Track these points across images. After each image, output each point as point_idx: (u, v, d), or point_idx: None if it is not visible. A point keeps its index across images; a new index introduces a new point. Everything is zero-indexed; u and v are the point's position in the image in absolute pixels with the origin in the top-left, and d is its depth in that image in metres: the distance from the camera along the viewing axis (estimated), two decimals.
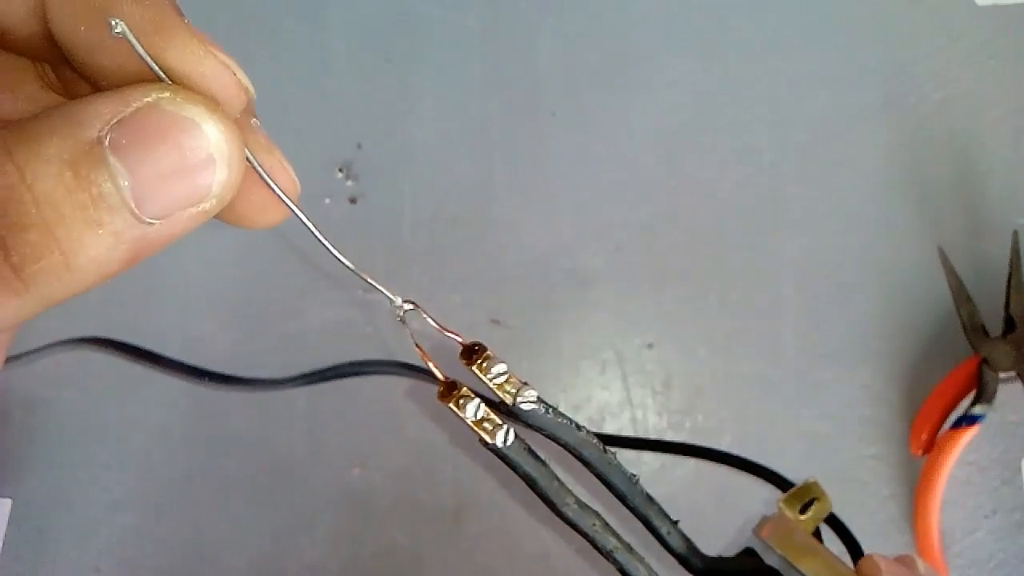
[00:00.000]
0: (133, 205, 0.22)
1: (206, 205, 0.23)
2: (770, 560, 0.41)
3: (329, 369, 0.66)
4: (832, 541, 0.49)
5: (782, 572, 0.41)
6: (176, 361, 0.66)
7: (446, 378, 0.29)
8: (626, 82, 0.73)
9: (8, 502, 0.65)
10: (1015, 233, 0.64)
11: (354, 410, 0.67)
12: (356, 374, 0.66)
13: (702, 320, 0.68)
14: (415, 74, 0.74)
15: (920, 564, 0.42)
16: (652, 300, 0.69)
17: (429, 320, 0.29)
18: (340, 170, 0.71)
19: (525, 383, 0.30)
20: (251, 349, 0.68)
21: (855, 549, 0.50)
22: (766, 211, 0.70)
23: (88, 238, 0.21)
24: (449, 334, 0.29)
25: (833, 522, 0.50)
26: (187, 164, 0.23)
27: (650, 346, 0.68)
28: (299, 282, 0.69)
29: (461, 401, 0.29)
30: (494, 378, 0.29)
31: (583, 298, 0.69)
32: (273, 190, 0.26)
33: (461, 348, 0.30)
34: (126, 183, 0.22)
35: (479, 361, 0.29)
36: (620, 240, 0.70)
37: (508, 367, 0.29)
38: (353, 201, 0.71)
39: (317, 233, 0.27)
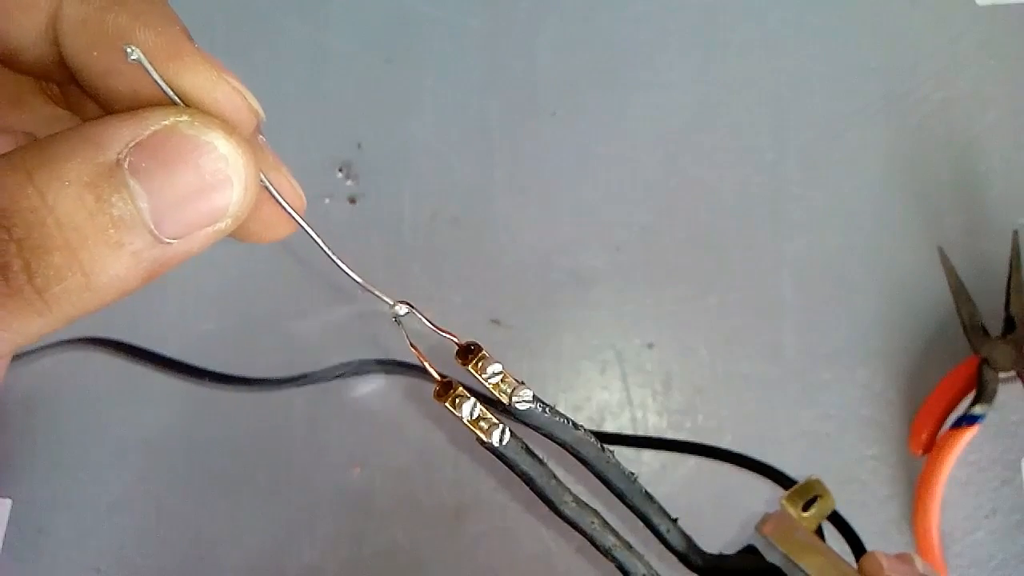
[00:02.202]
0: (152, 226, 0.22)
1: (222, 224, 0.24)
2: (772, 557, 0.41)
3: (330, 369, 0.66)
4: (835, 539, 0.49)
5: (784, 570, 0.41)
6: (176, 361, 0.67)
7: (442, 378, 0.29)
8: (626, 82, 0.73)
9: (8, 502, 0.65)
10: (1015, 233, 0.64)
11: (354, 410, 0.67)
12: (356, 374, 0.66)
13: (702, 320, 0.68)
14: (415, 74, 0.74)
15: (919, 562, 0.42)
16: (652, 300, 0.69)
17: (426, 322, 0.29)
18: (340, 170, 0.71)
19: (521, 382, 0.30)
20: (251, 349, 0.68)
21: (858, 547, 0.50)
22: (766, 211, 0.70)
23: (109, 259, 0.22)
24: (445, 334, 0.29)
25: (836, 520, 0.50)
26: (205, 185, 0.23)
27: (650, 346, 0.68)
28: (299, 282, 0.69)
29: (457, 400, 0.29)
30: (489, 378, 0.29)
31: (583, 298, 0.69)
32: (284, 208, 0.27)
33: (457, 348, 0.30)
34: (145, 204, 0.22)
35: (475, 361, 0.29)
36: (620, 240, 0.70)
37: (504, 367, 0.29)
38: (353, 201, 0.71)
39: (323, 246, 0.28)
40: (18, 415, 0.67)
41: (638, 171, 0.71)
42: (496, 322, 0.68)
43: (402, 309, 0.29)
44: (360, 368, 0.66)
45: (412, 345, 0.29)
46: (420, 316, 0.29)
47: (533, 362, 0.68)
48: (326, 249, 0.28)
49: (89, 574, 0.65)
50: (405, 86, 0.73)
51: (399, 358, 0.66)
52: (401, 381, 0.66)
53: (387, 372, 0.66)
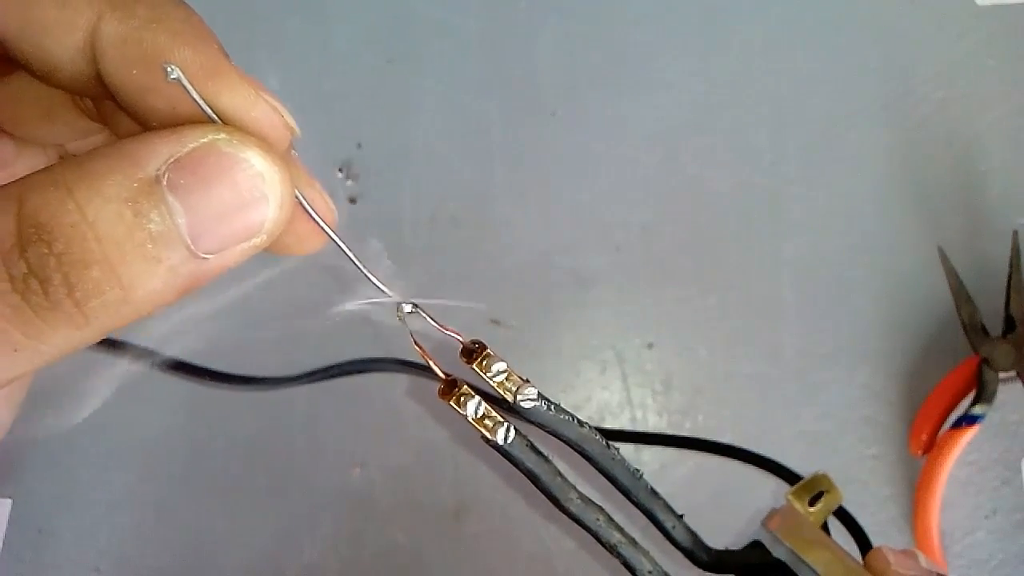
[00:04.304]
0: (189, 241, 0.23)
1: (257, 240, 0.24)
2: (778, 552, 0.41)
3: (332, 367, 0.66)
4: (840, 535, 0.49)
5: (789, 564, 0.41)
6: (176, 360, 0.66)
7: (447, 376, 0.29)
8: (626, 82, 0.73)
9: (8, 502, 0.65)
10: (1015, 233, 0.64)
11: (354, 409, 0.67)
12: (359, 372, 0.66)
13: (702, 320, 0.68)
14: (415, 74, 0.74)
15: (922, 558, 0.42)
16: (652, 300, 0.69)
17: (430, 321, 0.29)
18: (340, 170, 0.71)
19: (526, 380, 0.30)
20: (251, 348, 0.68)
21: (863, 542, 0.50)
22: (766, 211, 0.70)
23: (147, 273, 0.22)
24: (450, 333, 0.29)
25: (841, 515, 0.50)
26: (242, 202, 0.23)
27: (650, 346, 0.68)
28: (299, 281, 0.68)
29: (462, 399, 0.29)
30: (494, 376, 0.29)
31: (583, 298, 0.69)
32: (318, 223, 0.27)
33: (461, 347, 0.30)
34: (183, 220, 0.22)
35: (479, 360, 0.29)
36: (620, 240, 0.70)
37: (509, 365, 0.29)
38: (353, 201, 0.71)
39: (355, 260, 0.29)
40: (18, 415, 0.67)
41: (638, 171, 0.71)
42: (496, 322, 0.68)
43: (407, 308, 0.29)
44: (362, 366, 0.66)
45: (417, 344, 0.29)
46: (425, 316, 0.29)
47: (533, 362, 0.68)
48: (357, 263, 0.29)
49: (89, 574, 0.65)
50: (405, 86, 0.73)
51: (399, 357, 0.66)
52: (401, 380, 0.66)
53: (387, 371, 0.66)
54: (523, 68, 0.74)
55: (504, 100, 0.73)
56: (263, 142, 0.24)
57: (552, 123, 0.72)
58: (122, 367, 0.67)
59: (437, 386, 0.29)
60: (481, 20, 0.74)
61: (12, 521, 0.65)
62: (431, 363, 0.29)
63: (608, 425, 0.67)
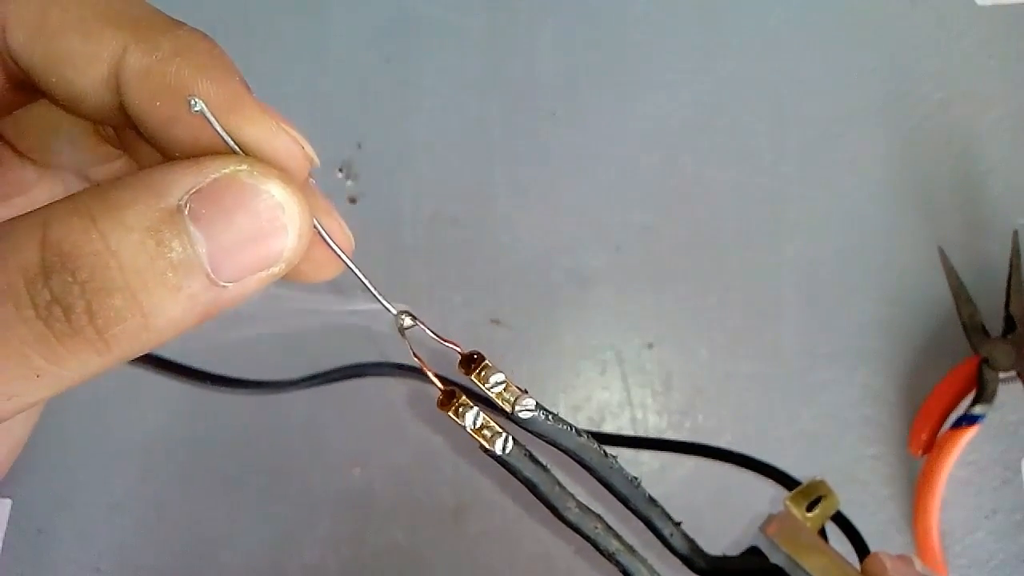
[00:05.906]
0: (209, 270, 0.23)
1: (276, 269, 0.25)
2: (775, 558, 0.41)
3: (331, 372, 0.66)
4: (838, 539, 0.49)
5: (787, 570, 0.41)
6: (176, 364, 0.66)
7: (445, 387, 0.29)
8: (626, 82, 0.73)
9: (8, 502, 0.65)
10: (1015, 233, 0.64)
11: (354, 411, 0.67)
12: (358, 376, 0.66)
13: (702, 320, 0.68)
14: (415, 74, 0.73)
15: (918, 564, 0.42)
16: (652, 300, 0.69)
17: (429, 332, 0.29)
18: (340, 170, 0.71)
19: (524, 391, 0.30)
20: (251, 351, 0.68)
21: (861, 548, 0.50)
22: (766, 211, 0.70)
23: (167, 301, 0.23)
24: (448, 344, 0.29)
25: (839, 520, 0.50)
26: (262, 232, 0.24)
27: (650, 346, 0.68)
28: (299, 286, 0.68)
29: (460, 409, 0.29)
30: (492, 387, 0.29)
31: (583, 298, 0.69)
32: (336, 252, 0.27)
33: (460, 358, 0.30)
34: (203, 249, 0.23)
35: (478, 371, 0.29)
36: (620, 240, 0.70)
37: (507, 375, 0.29)
38: (353, 201, 0.71)
39: (373, 290, 0.29)
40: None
41: (638, 171, 0.71)
42: (496, 322, 0.68)
43: (406, 320, 0.29)
44: (362, 370, 0.66)
45: (416, 356, 0.29)
46: (424, 327, 0.29)
47: (533, 362, 0.68)
48: (375, 291, 0.29)
49: (89, 574, 0.65)
50: (405, 86, 0.73)
51: (399, 360, 0.66)
52: (401, 382, 0.66)
53: (388, 374, 0.66)
54: (523, 68, 0.74)
55: (504, 100, 0.73)
56: (283, 173, 0.25)
57: (552, 123, 0.72)
58: (122, 368, 0.67)
59: (436, 397, 0.29)
60: (481, 20, 0.74)
61: (12, 521, 0.65)
62: (430, 375, 0.29)
63: (608, 425, 0.67)
